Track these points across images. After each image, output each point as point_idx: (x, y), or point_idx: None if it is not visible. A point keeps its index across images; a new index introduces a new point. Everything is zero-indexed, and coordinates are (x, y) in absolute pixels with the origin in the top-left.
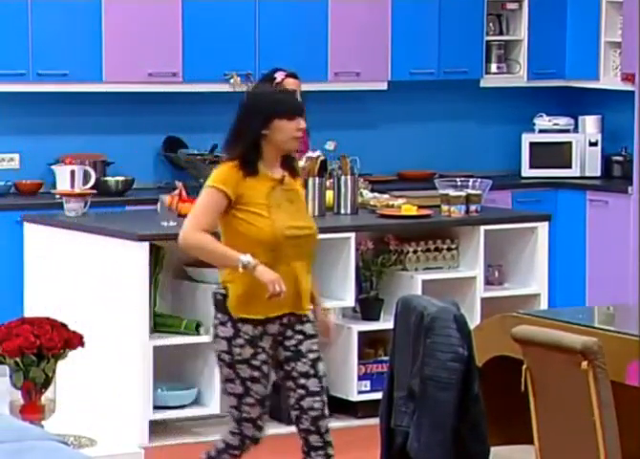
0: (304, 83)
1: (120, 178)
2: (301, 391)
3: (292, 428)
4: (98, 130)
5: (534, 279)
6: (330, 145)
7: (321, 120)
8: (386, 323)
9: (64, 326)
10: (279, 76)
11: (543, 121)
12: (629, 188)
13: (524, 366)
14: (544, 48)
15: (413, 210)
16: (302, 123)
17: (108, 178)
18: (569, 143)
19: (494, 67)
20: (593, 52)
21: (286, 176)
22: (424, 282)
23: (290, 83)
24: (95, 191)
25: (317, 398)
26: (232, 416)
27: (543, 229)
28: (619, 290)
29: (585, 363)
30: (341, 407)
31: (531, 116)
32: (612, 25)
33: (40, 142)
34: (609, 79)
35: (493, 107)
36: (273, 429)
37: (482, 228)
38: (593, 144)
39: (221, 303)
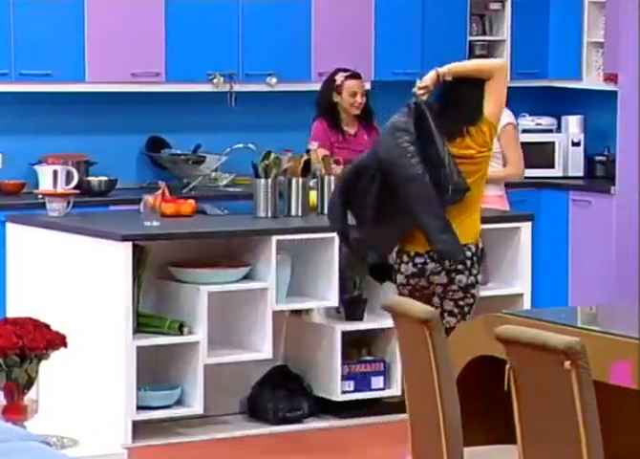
0: (287, 83)
1: (103, 178)
2: None
3: (275, 429)
4: (81, 130)
5: (517, 279)
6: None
7: (305, 120)
8: (369, 323)
9: (47, 327)
10: (339, 78)
11: (526, 121)
12: (612, 188)
13: (507, 366)
14: (527, 48)
15: None
16: None
17: (91, 178)
18: (552, 143)
19: None
20: (576, 52)
21: None
22: None
23: (350, 86)
24: (77, 191)
25: None
26: None
27: (526, 228)
28: (602, 289)
29: (567, 363)
30: (324, 408)
31: (514, 116)
32: (595, 25)
33: (23, 141)
34: (592, 79)
35: None
36: (258, 429)
37: None
38: (576, 144)
39: (484, 255)
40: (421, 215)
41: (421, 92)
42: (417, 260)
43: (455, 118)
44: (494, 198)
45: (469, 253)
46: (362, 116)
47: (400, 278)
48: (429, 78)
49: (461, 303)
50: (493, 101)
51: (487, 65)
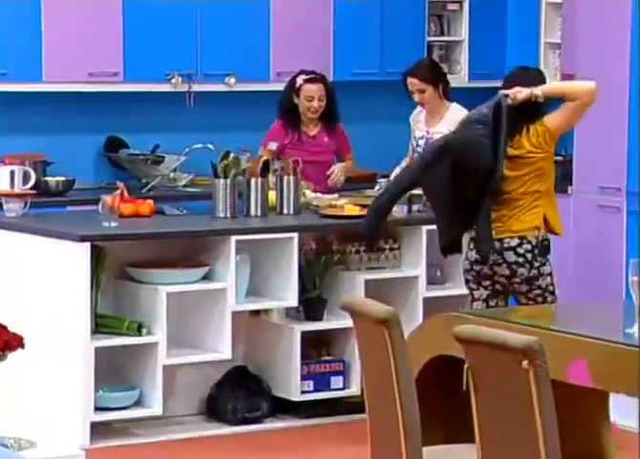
0: (246, 83)
1: (61, 178)
2: None
3: (235, 429)
4: (39, 130)
5: None
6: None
7: (264, 120)
8: (329, 323)
9: (4, 327)
10: (299, 81)
11: None
12: (570, 188)
13: (466, 365)
14: (485, 48)
15: (355, 210)
16: None
17: (48, 178)
18: None
19: None
20: (533, 52)
21: None
22: (367, 282)
23: (307, 90)
24: (35, 192)
25: None
26: None
27: None
28: (559, 289)
29: (525, 362)
30: (284, 408)
31: None
32: (552, 26)
33: None
34: (549, 80)
35: None
36: (217, 430)
37: (424, 227)
38: None
39: (547, 247)
40: (480, 206)
41: (509, 94)
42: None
43: (519, 117)
44: None
45: (529, 247)
46: (324, 118)
47: (465, 264)
48: (522, 95)
49: (531, 295)
50: (562, 115)
51: (575, 88)
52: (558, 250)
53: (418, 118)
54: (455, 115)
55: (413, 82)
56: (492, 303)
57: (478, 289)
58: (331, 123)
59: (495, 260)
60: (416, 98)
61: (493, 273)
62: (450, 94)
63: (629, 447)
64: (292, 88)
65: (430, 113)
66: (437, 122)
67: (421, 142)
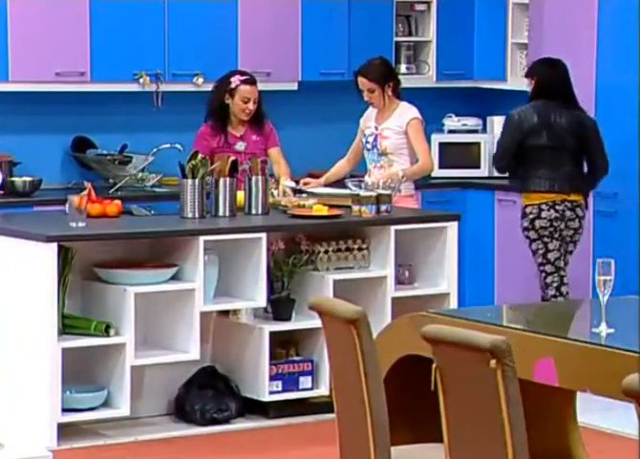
0: (213, 83)
1: (28, 178)
2: None
3: (203, 429)
4: (5, 130)
5: (443, 279)
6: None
7: None
8: (297, 323)
9: None
10: (234, 81)
11: (451, 122)
12: None
13: (434, 365)
14: (453, 49)
15: (324, 211)
16: None
17: (15, 178)
18: (478, 144)
19: (403, 68)
20: (500, 53)
21: None
22: (335, 282)
23: (244, 91)
24: (1, 192)
25: None
26: None
27: (452, 228)
28: (527, 288)
29: (493, 362)
30: (252, 408)
31: (440, 116)
32: (519, 26)
33: None
34: (516, 80)
35: None
36: (185, 431)
37: (393, 227)
38: None
39: None
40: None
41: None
42: (558, 207)
43: None
44: (404, 198)
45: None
46: (252, 119)
47: (543, 222)
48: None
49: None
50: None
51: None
52: (525, 250)
53: (369, 117)
54: (404, 112)
55: (363, 82)
56: (562, 250)
57: (551, 241)
58: (260, 123)
59: (569, 217)
60: (366, 96)
61: (565, 227)
62: (418, 94)
63: (592, 443)
64: (225, 88)
65: (379, 111)
66: (386, 119)
67: (370, 139)
